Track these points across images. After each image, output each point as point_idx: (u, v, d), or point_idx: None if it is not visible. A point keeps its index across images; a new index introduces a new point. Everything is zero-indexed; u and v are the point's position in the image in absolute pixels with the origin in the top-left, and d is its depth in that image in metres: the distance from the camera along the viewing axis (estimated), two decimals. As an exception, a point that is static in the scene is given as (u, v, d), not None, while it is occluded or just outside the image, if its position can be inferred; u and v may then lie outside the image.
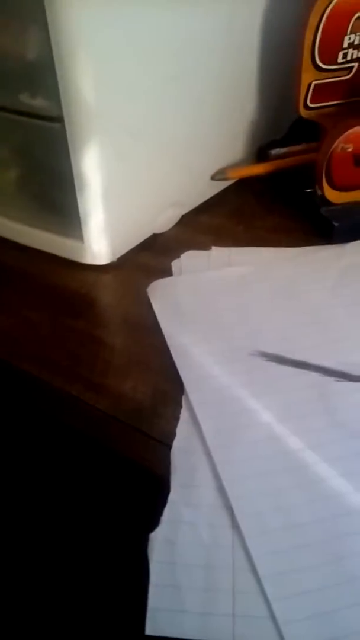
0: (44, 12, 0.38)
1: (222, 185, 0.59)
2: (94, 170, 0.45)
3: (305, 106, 0.54)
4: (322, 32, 0.50)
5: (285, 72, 0.54)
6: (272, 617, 0.28)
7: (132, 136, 0.46)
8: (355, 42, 0.51)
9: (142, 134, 0.47)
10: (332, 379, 0.40)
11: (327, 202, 0.54)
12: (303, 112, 0.55)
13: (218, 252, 0.52)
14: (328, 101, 0.55)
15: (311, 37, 0.50)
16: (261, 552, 0.30)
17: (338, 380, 0.40)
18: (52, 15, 0.38)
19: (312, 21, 0.49)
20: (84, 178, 0.45)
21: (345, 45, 0.51)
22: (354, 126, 0.51)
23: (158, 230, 0.54)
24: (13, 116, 0.46)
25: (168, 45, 0.45)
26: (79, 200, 0.47)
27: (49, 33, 0.39)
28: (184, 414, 0.38)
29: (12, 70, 0.44)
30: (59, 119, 0.43)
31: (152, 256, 0.52)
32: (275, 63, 0.56)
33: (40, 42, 0.40)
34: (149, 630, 0.28)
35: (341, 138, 0.51)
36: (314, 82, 0.53)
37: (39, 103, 0.44)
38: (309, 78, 0.52)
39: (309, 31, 0.50)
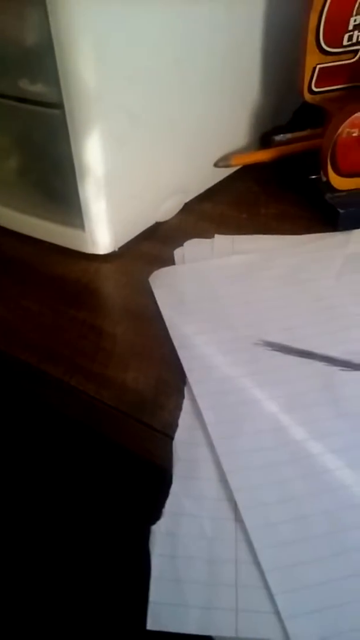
0: (42, -5, 0.37)
1: (225, 172, 0.59)
2: (95, 157, 0.44)
3: (310, 90, 0.53)
4: (327, 14, 0.48)
5: (290, 57, 0.53)
6: (276, 611, 0.28)
7: (133, 122, 0.45)
8: (361, 24, 0.50)
9: (143, 119, 0.46)
10: (338, 368, 0.39)
11: (332, 189, 0.53)
12: (307, 97, 0.54)
13: (221, 240, 0.51)
14: (333, 85, 0.53)
15: (316, 19, 0.49)
16: (265, 545, 0.30)
17: (343, 370, 0.39)
18: (51, -1, 0.37)
19: (317, 3, 0.48)
20: (84, 165, 0.44)
21: (350, 27, 0.50)
22: (359, 111, 0.49)
23: (160, 219, 0.54)
24: (12, 103, 0.45)
25: (168, 29, 0.44)
26: (79, 188, 0.46)
27: (48, 17, 0.38)
28: (186, 405, 0.37)
29: (11, 55, 0.43)
30: (59, 105, 0.42)
31: (154, 245, 0.52)
32: (279, 47, 0.54)
33: (39, 27, 0.39)
34: (150, 625, 0.28)
35: (346, 123, 0.50)
36: (318, 66, 0.52)
37: (38, 89, 0.43)
38: (313, 61, 0.51)
39: (313, 13, 0.48)
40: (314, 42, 0.50)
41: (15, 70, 0.44)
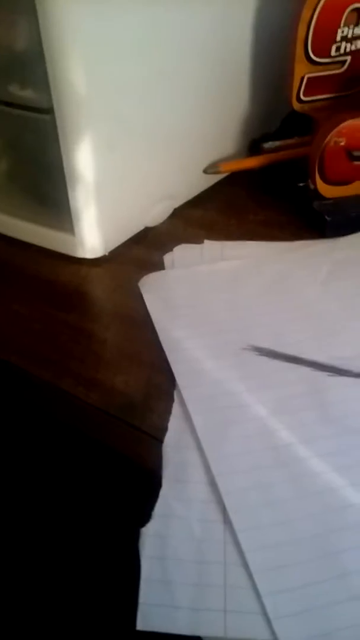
0: (33, 2, 0.37)
1: (214, 178, 0.59)
2: (85, 162, 0.44)
3: (298, 99, 0.54)
4: (315, 25, 0.49)
5: (278, 66, 0.53)
6: (264, 612, 0.28)
7: (123, 128, 0.45)
8: (349, 35, 0.51)
9: (133, 126, 0.46)
10: (324, 373, 0.40)
11: (320, 196, 0.54)
12: (296, 106, 0.54)
13: (211, 246, 0.52)
14: (321, 94, 0.54)
15: (304, 30, 0.50)
16: (252, 547, 0.30)
17: (330, 375, 0.39)
18: (42, 6, 0.37)
19: (306, 14, 0.49)
20: (75, 170, 0.45)
21: (338, 38, 0.51)
22: (346, 120, 0.50)
23: (150, 224, 0.54)
24: (2, 108, 0.45)
25: (159, 37, 0.45)
26: (69, 193, 0.46)
27: (38, 23, 0.38)
28: (176, 409, 0.38)
29: (1, 60, 0.43)
30: (49, 111, 0.42)
31: (144, 250, 0.52)
32: (268, 56, 0.55)
33: (30, 33, 0.40)
34: (139, 625, 0.28)
35: (334, 132, 0.50)
36: (307, 76, 0.53)
37: (28, 94, 0.44)
38: (302, 71, 0.52)
39: (302, 24, 0.49)
40: (303, 53, 0.51)
41: (5, 75, 0.44)
